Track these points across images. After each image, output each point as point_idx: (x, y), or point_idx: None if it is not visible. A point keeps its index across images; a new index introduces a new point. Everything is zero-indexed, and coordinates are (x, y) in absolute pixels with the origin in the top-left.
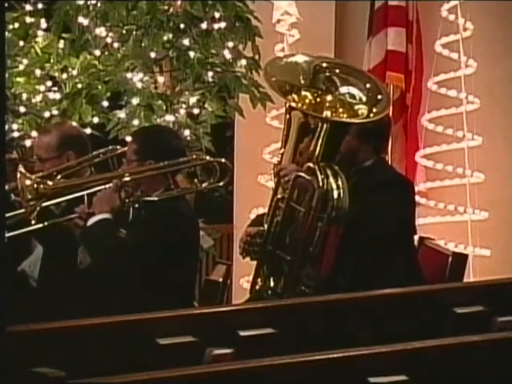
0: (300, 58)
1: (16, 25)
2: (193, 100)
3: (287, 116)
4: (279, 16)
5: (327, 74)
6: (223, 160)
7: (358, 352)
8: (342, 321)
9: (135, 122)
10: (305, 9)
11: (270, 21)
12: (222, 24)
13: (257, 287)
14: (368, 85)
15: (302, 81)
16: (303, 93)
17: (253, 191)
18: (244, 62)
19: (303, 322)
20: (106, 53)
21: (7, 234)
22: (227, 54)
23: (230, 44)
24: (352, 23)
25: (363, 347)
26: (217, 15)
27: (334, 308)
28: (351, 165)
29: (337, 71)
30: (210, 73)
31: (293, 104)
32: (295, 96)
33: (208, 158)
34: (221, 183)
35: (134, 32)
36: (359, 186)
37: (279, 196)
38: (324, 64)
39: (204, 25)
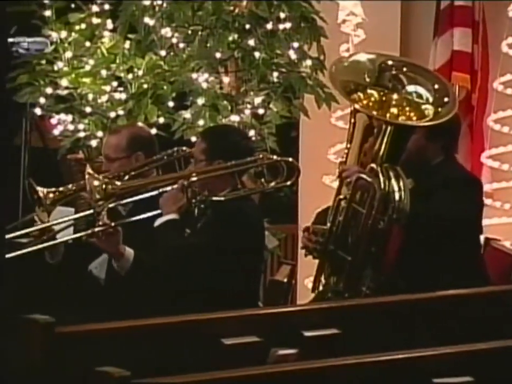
0: (364, 57)
1: (83, 26)
2: (258, 100)
3: (352, 117)
4: (344, 16)
5: (394, 72)
6: (290, 159)
7: (423, 353)
8: (406, 322)
9: (200, 122)
10: (370, 10)
11: (335, 21)
12: (287, 25)
13: (319, 285)
14: (436, 85)
15: (367, 80)
16: (369, 91)
17: (317, 191)
18: (309, 62)
19: (368, 323)
20: (171, 53)
21: (78, 235)
22: (292, 55)
23: (295, 44)
24: (417, 23)
25: (428, 348)
26: (282, 15)
27: (398, 309)
28: (419, 164)
29: (404, 69)
30: (275, 74)
31: (358, 106)
32: (360, 95)
33: (275, 157)
34: (289, 183)
35: (200, 33)
36: (426, 184)
37: (341, 196)
38: (390, 62)
39: (269, 26)
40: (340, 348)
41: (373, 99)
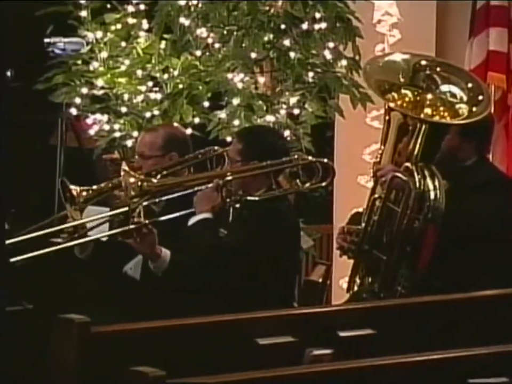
0: (399, 57)
1: (119, 26)
2: (293, 100)
3: (387, 116)
4: (379, 16)
5: (427, 72)
6: (325, 160)
7: (458, 354)
8: (441, 323)
9: (236, 122)
10: (406, 10)
11: (371, 21)
12: (323, 25)
13: (354, 285)
14: (469, 84)
15: (402, 80)
16: (403, 91)
17: (352, 191)
18: (344, 62)
19: (403, 323)
20: (207, 53)
21: (111, 232)
22: (327, 55)
23: (331, 44)
24: (453, 23)
25: (463, 348)
26: (318, 15)
27: (433, 309)
28: (452, 164)
29: (438, 69)
30: (310, 74)
31: (392, 105)
32: (394, 94)
33: (310, 158)
34: (324, 184)
35: (235, 33)
36: (460, 186)
37: (376, 195)
38: (424, 62)
39: (304, 26)
40: (375, 348)
41: (407, 99)
